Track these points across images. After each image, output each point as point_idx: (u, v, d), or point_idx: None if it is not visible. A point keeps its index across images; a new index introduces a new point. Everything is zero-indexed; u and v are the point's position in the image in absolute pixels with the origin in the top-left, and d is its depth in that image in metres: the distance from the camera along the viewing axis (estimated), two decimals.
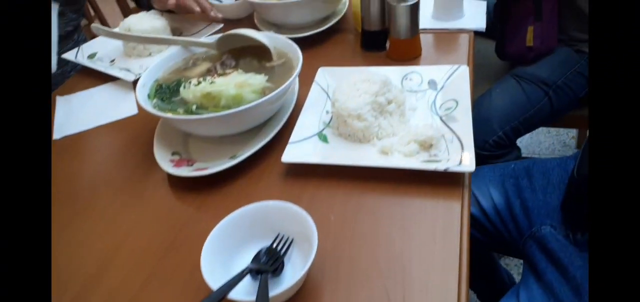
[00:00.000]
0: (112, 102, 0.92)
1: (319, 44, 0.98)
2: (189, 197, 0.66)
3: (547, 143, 1.85)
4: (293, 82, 0.70)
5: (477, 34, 0.94)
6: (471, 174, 0.60)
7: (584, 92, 1.18)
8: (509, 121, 1.15)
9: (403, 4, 0.81)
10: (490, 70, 1.35)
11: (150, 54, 1.04)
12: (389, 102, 0.69)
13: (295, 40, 0.82)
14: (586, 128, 1.71)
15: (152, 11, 1.18)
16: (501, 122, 1.15)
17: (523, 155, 1.29)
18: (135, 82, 0.91)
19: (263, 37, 0.79)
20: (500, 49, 1.30)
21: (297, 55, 0.75)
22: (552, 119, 1.21)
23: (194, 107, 0.69)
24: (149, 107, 0.69)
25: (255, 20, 1.05)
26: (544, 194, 0.82)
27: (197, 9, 1.02)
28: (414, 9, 0.82)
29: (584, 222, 0.72)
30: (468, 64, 0.80)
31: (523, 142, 1.82)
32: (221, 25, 1.08)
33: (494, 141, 1.15)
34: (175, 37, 0.89)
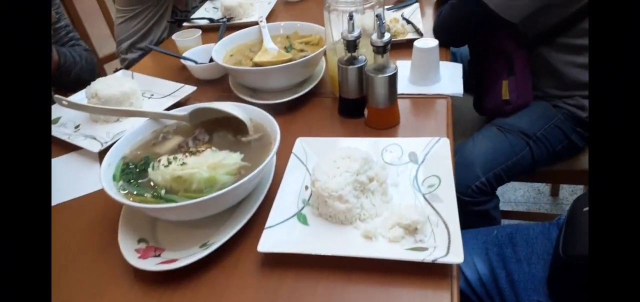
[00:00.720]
0: (75, 176, 0.86)
1: (296, 109, 0.95)
2: (156, 292, 0.60)
3: (522, 191, 1.87)
4: (271, 161, 0.66)
5: None
6: (459, 265, 0.57)
7: (560, 146, 1.19)
8: (492, 167, 1.14)
9: (381, 75, 0.80)
10: (466, 125, 1.36)
11: (118, 120, 0.99)
12: (371, 180, 0.66)
13: (272, 106, 0.79)
14: (560, 182, 1.74)
15: (121, 71, 1.15)
16: (485, 167, 1.14)
17: (500, 203, 1.28)
18: (101, 153, 0.86)
19: (238, 110, 0.76)
20: (478, 104, 1.31)
21: (274, 129, 0.71)
22: (532, 170, 1.21)
23: (162, 191, 0.65)
24: (113, 192, 0.63)
25: (230, 84, 1.02)
26: (528, 264, 0.80)
27: None
28: (392, 80, 0.80)
29: (572, 300, 0.70)
30: (448, 136, 0.79)
31: (498, 189, 1.83)
32: (194, 89, 1.04)
33: (477, 187, 1.13)
34: (145, 110, 0.84)
